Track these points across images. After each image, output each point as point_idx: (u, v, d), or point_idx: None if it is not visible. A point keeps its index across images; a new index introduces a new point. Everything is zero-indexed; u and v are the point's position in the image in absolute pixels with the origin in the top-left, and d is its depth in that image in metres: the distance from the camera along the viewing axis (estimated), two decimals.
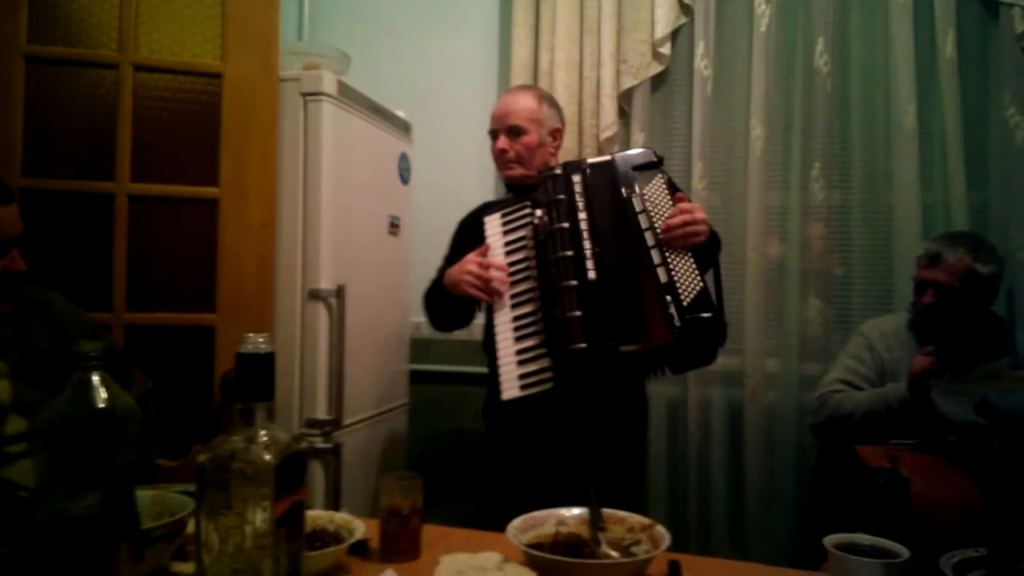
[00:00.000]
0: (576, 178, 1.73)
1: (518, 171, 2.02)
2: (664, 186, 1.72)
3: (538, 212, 1.73)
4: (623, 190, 1.69)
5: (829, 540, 1.04)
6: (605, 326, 1.56)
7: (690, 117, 2.83)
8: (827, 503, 1.97)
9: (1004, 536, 0.81)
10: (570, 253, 1.63)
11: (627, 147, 2.84)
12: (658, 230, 1.62)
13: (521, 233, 1.80)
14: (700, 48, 2.79)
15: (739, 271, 2.75)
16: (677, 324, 1.50)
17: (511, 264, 1.77)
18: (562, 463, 1.82)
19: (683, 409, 2.80)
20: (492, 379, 1.82)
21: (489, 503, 1.99)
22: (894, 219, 2.63)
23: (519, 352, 1.66)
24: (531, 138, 2.01)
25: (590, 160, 1.78)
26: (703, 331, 1.53)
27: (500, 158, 2.03)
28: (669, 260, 1.59)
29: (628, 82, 2.82)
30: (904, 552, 1.00)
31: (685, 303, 1.52)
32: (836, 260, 2.75)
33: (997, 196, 2.57)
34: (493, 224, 1.87)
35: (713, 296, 1.57)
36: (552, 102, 2.11)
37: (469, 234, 1.99)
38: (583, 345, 1.54)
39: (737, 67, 2.80)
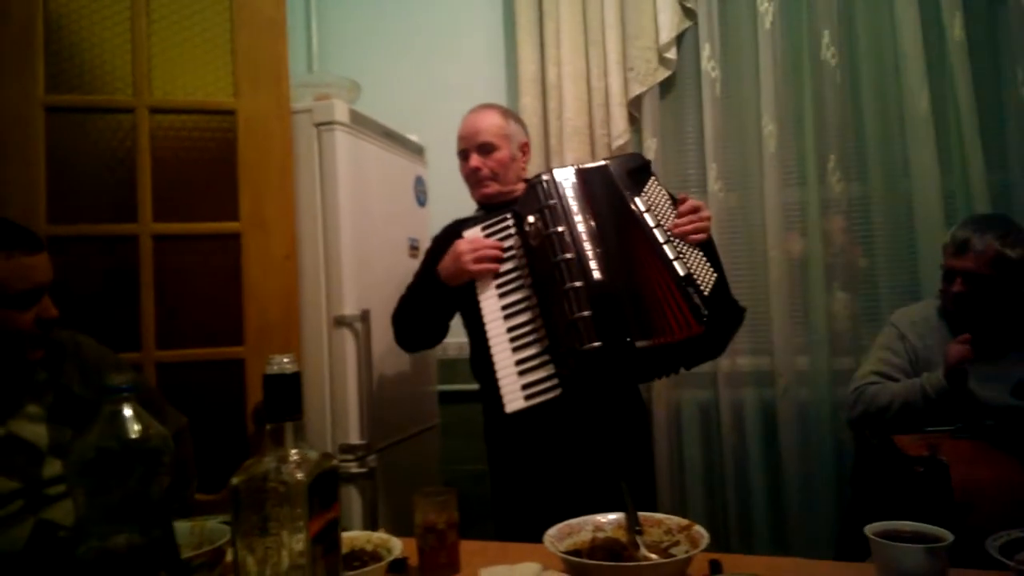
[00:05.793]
0: (566, 182, 1.74)
1: (494, 187, 2.01)
2: (660, 188, 1.76)
3: (530, 219, 1.72)
4: (624, 192, 1.70)
5: (870, 528, 1.03)
6: (617, 324, 1.56)
7: (701, 119, 2.82)
8: (868, 496, 1.93)
9: None
10: (571, 255, 1.62)
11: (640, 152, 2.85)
12: (666, 228, 1.65)
13: (507, 244, 1.79)
14: (706, 50, 2.79)
15: (762, 270, 2.74)
16: (704, 313, 1.52)
17: (499, 275, 1.76)
18: (573, 472, 1.81)
19: (715, 412, 2.78)
20: (487, 397, 1.81)
21: (503, 524, 1.95)
22: (915, 206, 2.61)
23: (519, 363, 1.63)
24: (503, 153, 2.01)
25: (580, 165, 1.79)
26: (727, 318, 1.60)
27: (473, 177, 2.03)
28: (683, 255, 1.61)
29: (636, 89, 2.82)
30: (948, 536, 0.99)
31: (706, 293, 1.56)
32: (859, 252, 2.72)
33: (1018, 176, 2.54)
34: (473, 236, 1.85)
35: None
36: (517, 118, 2.12)
37: (445, 251, 1.92)
38: (598, 343, 1.53)
39: (744, 66, 2.79)
